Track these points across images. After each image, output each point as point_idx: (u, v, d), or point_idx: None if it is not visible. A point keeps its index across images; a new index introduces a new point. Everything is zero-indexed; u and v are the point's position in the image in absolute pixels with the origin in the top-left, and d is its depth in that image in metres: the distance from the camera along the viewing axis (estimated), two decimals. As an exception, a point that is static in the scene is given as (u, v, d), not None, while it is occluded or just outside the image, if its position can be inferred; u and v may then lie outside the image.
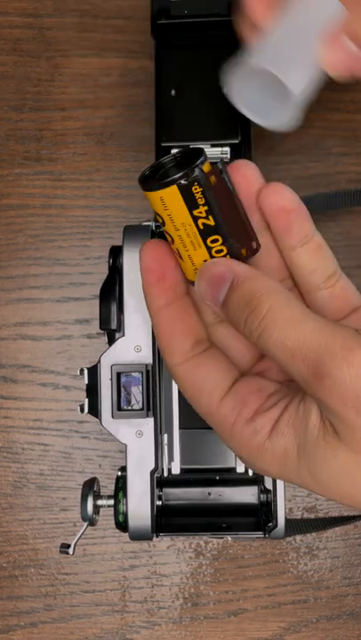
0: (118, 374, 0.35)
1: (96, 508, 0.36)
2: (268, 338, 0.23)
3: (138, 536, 0.35)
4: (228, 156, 0.42)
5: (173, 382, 0.38)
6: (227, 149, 0.42)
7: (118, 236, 0.36)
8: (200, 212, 0.25)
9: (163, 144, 0.43)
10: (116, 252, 0.37)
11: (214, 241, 0.25)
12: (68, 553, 0.37)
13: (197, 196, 0.25)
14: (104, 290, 0.36)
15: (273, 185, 0.26)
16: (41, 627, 0.49)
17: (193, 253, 0.26)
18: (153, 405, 0.35)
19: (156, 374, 0.35)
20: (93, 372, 0.35)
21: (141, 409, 0.35)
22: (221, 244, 0.25)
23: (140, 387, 0.35)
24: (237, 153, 0.42)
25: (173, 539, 0.49)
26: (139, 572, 0.49)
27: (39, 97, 0.51)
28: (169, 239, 0.26)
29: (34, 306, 0.50)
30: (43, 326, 0.50)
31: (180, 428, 0.38)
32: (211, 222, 0.25)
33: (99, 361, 0.35)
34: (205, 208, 0.25)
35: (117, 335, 0.36)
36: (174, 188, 0.24)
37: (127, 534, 0.36)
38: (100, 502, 0.37)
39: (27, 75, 0.51)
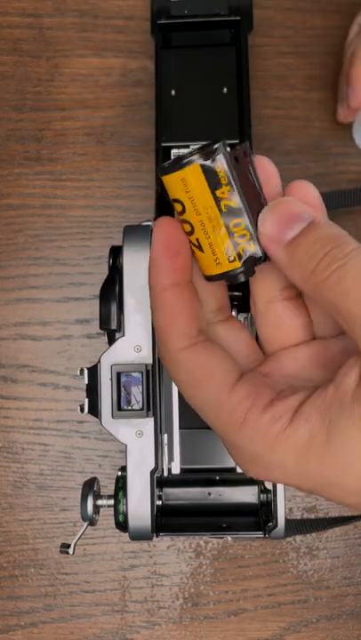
0: (118, 374, 0.35)
1: (96, 508, 0.36)
2: (342, 283, 0.22)
3: (138, 536, 0.35)
4: None
5: (173, 382, 0.38)
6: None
7: (118, 236, 0.36)
8: (223, 193, 0.24)
9: (163, 144, 0.43)
10: (116, 252, 0.37)
11: (237, 225, 0.25)
12: (68, 553, 0.37)
13: (220, 175, 0.24)
14: (104, 290, 0.36)
15: (300, 181, 0.25)
16: (41, 627, 0.49)
17: (214, 241, 0.25)
18: (153, 405, 0.35)
19: (156, 374, 0.35)
20: (93, 372, 0.35)
21: (141, 409, 0.35)
22: (244, 229, 0.25)
23: (140, 387, 0.35)
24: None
25: (173, 539, 0.49)
26: (139, 572, 0.49)
27: (39, 97, 0.51)
28: (188, 229, 0.25)
29: (34, 306, 0.50)
30: (43, 326, 0.50)
31: (180, 428, 0.38)
32: (233, 204, 0.24)
33: (99, 361, 0.35)
34: (228, 189, 0.24)
35: (117, 335, 0.36)
36: (197, 166, 0.24)
37: (127, 534, 0.36)
38: (100, 502, 0.36)
39: (27, 75, 0.51)
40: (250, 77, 0.45)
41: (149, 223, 0.37)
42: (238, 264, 0.25)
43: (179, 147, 0.43)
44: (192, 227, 0.25)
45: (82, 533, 0.37)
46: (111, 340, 0.36)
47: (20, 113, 0.51)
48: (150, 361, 0.35)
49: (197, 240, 0.25)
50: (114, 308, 0.36)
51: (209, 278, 0.25)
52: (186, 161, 0.24)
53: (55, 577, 0.50)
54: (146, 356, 0.35)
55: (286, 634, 0.49)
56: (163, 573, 0.49)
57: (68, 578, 0.50)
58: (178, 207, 0.25)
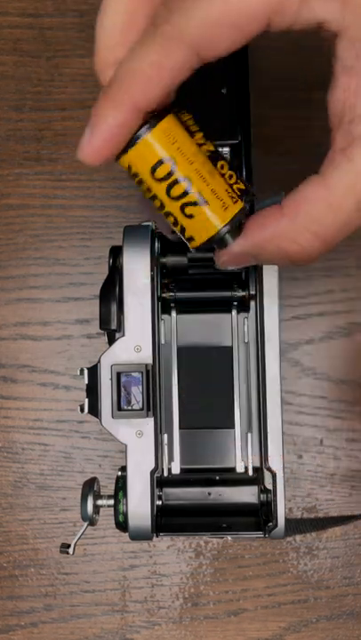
0: (118, 374, 0.35)
1: (96, 508, 0.36)
2: None
3: (138, 536, 0.35)
4: (228, 156, 0.42)
5: (173, 382, 0.38)
6: (227, 149, 0.42)
7: (118, 236, 0.36)
8: (200, 139, 0.24)
9: (163, 144, 0.43)
10: (116, 252, 0.37)
11: (223, 167, 0.25)
12: (68, 553, 0.37)
13: (189, 123, 0.24)
14: (104, 290, 0.36)
15: None
16: (41, 627, 0.49)
17: (215, 185, 0.24)
18: (153, 405, 0.35)
19: (156, 374, 0.35)
20: (93, 372, 0.35)
21: (141, 409, 0.35)
22: (229, 169, 0.25)
23: (140, 387, 0.35)
24: (237, 153, 0.42)
25: (173, 539, 0.49)
26: (139, 571, 0.49)
27: (39, 97, 0.51)
28: (183, 188, 0.24)
29: (34, 306, 0.50)
30: (43, 326, 0.50)
31: (180, 428, 0.38)
32: (211, 147, 0.25)
33: (99, 361, 0.35)
34: (202, 134, 0.24)
35: (117, 335, 0.36)
36: (172, 116, 0.24)
37: (127, 534, 0.36)
38: (100, 502, 0.36)
39: (27, 75, 0.51)
40: (250, 77, 0.45)
41: (149, 223, 0.37)
42: (241, 203, 0.25)
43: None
44: (190, 180, 0.24)
45: (82, 533, 0.37)
46: (111, 340, 0.36)
47: (19, 113, 0.51)
48: (150, 361, 0.35)
49: (200, 193, 0.24)
50: (114, 308, 0.36)
51: (212, 238, 0.25)
52: (161, 111, 0.23)
53: (55, 577, 0.50)
54: (146, 356, 0.35)
55: (286, 634, 0.49)
56: (163, 573, 0.49)
57: (68, 578, 0.50)
58: (166, 167, 0.24)
